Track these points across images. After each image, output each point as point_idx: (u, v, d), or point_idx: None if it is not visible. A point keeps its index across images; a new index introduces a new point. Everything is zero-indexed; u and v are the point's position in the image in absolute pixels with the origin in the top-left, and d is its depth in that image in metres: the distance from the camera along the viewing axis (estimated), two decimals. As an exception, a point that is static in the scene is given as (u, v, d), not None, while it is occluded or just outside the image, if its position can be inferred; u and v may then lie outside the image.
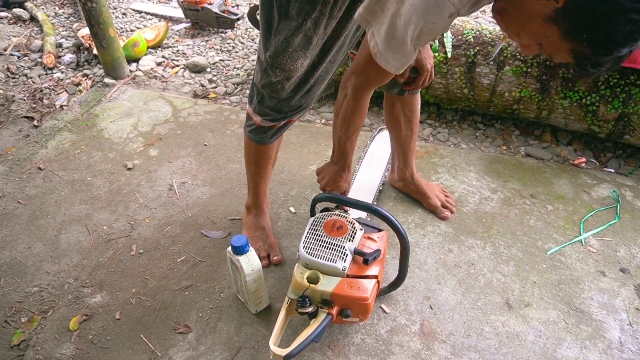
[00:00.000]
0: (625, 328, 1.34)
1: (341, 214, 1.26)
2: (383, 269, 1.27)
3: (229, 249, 1.25)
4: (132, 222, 1.69)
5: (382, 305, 1.40)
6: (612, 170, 1.89)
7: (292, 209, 1.73)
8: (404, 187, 1.73)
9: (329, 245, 1.17)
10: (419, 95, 1.53)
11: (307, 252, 1.17)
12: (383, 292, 1.39)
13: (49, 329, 1.37)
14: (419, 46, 0.97)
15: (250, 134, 1.40)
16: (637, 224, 1.65)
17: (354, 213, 1.45)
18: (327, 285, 1.14)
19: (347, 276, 1.16)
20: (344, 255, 1.16)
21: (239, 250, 1.23)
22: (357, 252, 1.17)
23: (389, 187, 1.79)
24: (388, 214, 1.18)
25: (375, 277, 1.18)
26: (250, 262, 1.24)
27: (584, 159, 1.92)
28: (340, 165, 1.28)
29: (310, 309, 1.14)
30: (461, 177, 1.85)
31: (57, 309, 1.42)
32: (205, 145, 2.04)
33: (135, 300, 1.44)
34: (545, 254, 1.55)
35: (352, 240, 1.18)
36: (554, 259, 1.53)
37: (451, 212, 1.68)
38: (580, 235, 1.61)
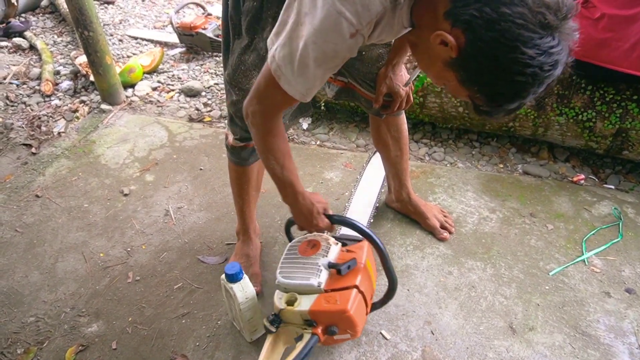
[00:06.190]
0: (634, 352, 1.31)
1: (316, 233, 1.23)
2: (368, 278, 1.20)
3: (223, 276, 1.24)
4: (129, 249, 1.68)
5: (383, 331, 1.37)
6: (612, 187, 1.88)
7: (289, 233, 1.71)
8: (401, 208, 1.72)
9: (303, 265, 1.16)
10: (403, 115, 1.53)
11: (282, 276, 1.16)
12: (379, 304, 1.30)
13: (45, 360, 1.35)
14: (327, 70, 0.92)
15: (229, 154, 1.41)
16: (640, 242, 1.62)
17: (346, 231, 1.44)
18: (304, 304, 1.12)
19: (325, 291, 1.13)
20: (317, 271, 1.14)
21: (233, 278, 1.21)
22: (331, 266, 1.15)
23: (387, 209, 1.77)
24: (351, 221, 1.15)
25: (355, 286, 1.12)
26: (245, 290, 1.23)
27: (582, 176, 1.91)
28: (295, 197, 1.12)
29: (272, 329, 1.14)
30: (459, 196, 1.83)
31: (53, 339, 1.40)
32: (201, 169, 2.04)
33: (131, 330, 1.42)
34: (547, 274, 1.52)
35: (326, 256, 1.16)
36: (557, 280, 1.51)
37: (450, 232, 1.66)
38: (583, 254, 1.58)
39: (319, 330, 1.12)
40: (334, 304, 1.10)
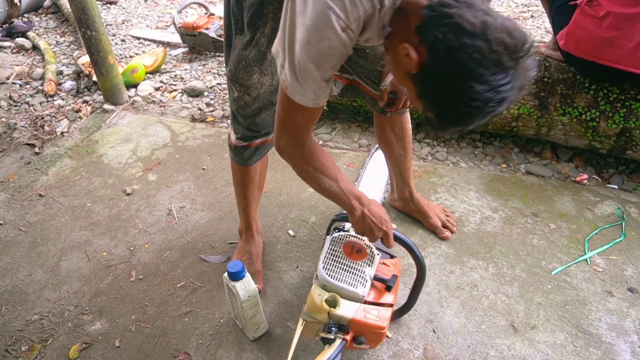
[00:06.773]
0: (636, 351, 1.31)
1: (358, 236, 1.22)
2: (397, 297, 1.23)
3: (226, 274, 1.24)
4: (132, 248, 1.69)
5: (384, 330, 1.37)
6: (616, 187, 1.87)
7: (291, 232, 1.71)
8: (404, 206, 1.72)
9: (349, 269, 1.14)
10: (407, 114, 1.53)
11: (327, 274, 1.13)
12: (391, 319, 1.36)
13: (49, 357, 1.36)
14: (327, 71, 0.91)
15: (231, 154, 1.41)
16: (643, 241, 1.62)
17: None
18: (346, 310, 1.10)
19: (365, 302, 1.13)
20: (364, 280, 1.13)
21: (235, 276, 1.21)
22: (376, 278, 1.14)
23: (389, 208, 1.77)
24: (410, 243, 1.17)
25: (392, 305, 1.15)
26: (247, 288, 1.23)
27: (585, 176, 1.90)
28: (362, 206, 1.09)
29: (332, 336, 1.11)
30: (461, 196, 1.83)
31: (57, 337, 1.41)
32: (203, 169, 2.05)
33: (134, 327, 1.42)
34: (549, 274, 1.52)
35: (371, 266, 1.16)
36: (559, 279, 1.50)
37: (452, 232, 1.66)
38: (586, 254, 1.58)
39: (349, 337, 1.12)
40: (375, 318, 1.10)
